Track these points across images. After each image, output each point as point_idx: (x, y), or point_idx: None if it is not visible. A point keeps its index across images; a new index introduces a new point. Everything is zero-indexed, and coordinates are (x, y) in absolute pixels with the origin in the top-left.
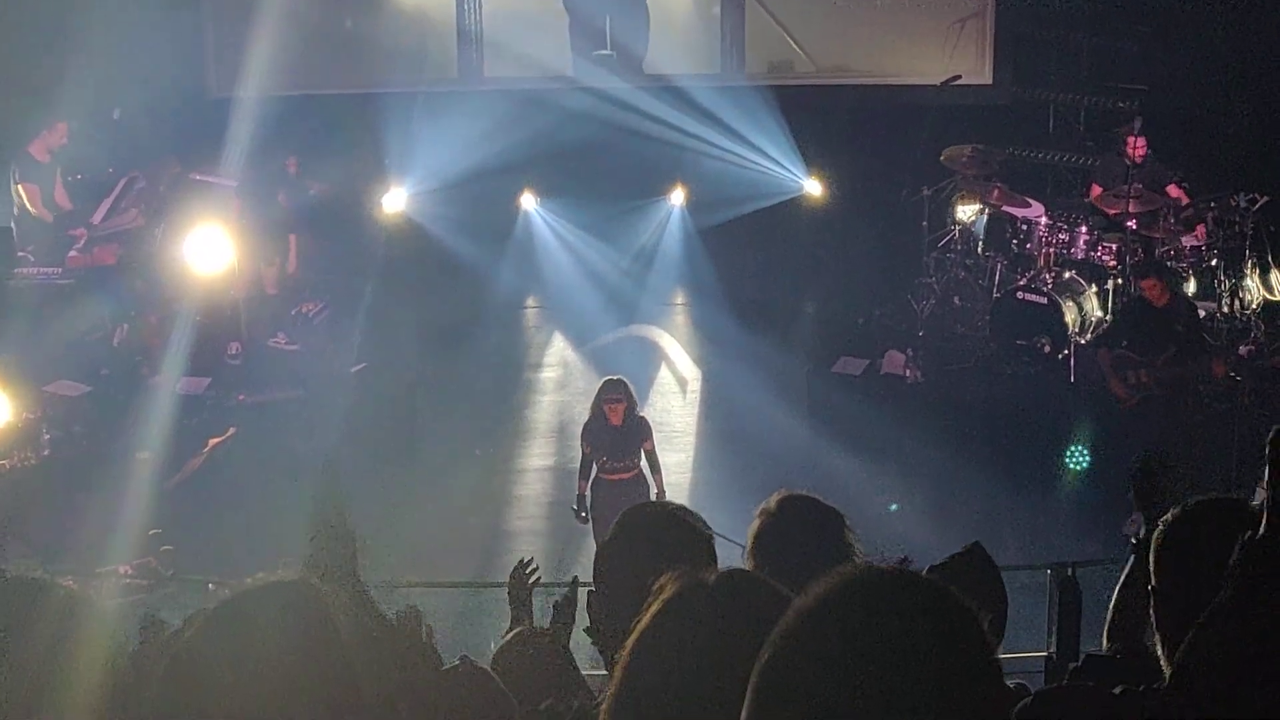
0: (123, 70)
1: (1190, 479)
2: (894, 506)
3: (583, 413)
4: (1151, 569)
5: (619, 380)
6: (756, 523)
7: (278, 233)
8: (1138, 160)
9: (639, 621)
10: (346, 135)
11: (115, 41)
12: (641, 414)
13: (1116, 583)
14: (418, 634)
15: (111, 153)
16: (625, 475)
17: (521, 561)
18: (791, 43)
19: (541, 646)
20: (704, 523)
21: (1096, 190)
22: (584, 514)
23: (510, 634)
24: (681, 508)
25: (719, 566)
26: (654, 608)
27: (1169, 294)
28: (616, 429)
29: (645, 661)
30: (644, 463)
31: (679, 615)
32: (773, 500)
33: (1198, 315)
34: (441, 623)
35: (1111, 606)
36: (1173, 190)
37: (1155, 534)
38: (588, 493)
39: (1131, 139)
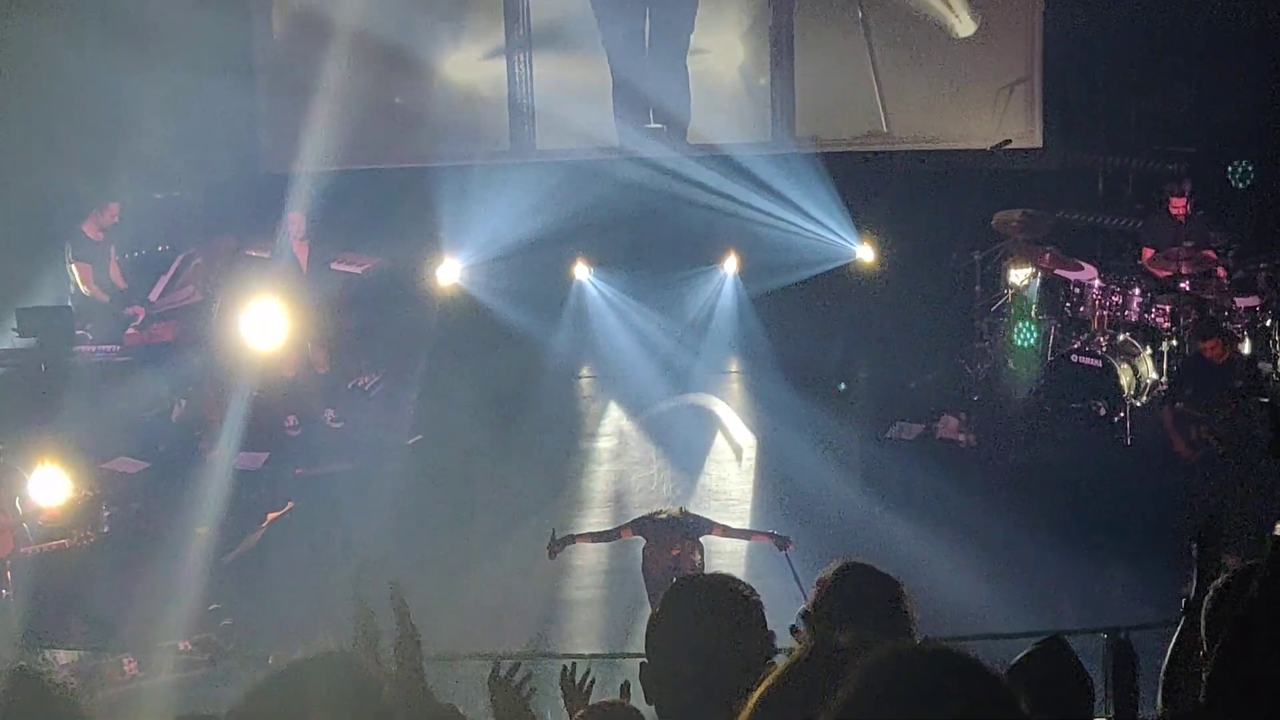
0: (176, 147)
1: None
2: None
3: (640, 482)
4: (1204, 634)
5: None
6: (814, 592)
7: (326, 310)
8: (1180, 220)
9: (764, 679)
10: (399, 209)
11: (169, 118)
12: (695, 521)
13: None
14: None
15: (166, 230)
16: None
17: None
18: (844, 107)
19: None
20: (753, 591)
21: (1148, 253)
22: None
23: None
24: (731, 577)
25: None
26: (784, 665)
27: (1228, 352)
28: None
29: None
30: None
31: (809, 673)
32: (830, 569)
33: (1258, 370)
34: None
35: (1164, 670)
36: (1209, 254)
37: (1207, 599)
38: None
39: (1174, 199)
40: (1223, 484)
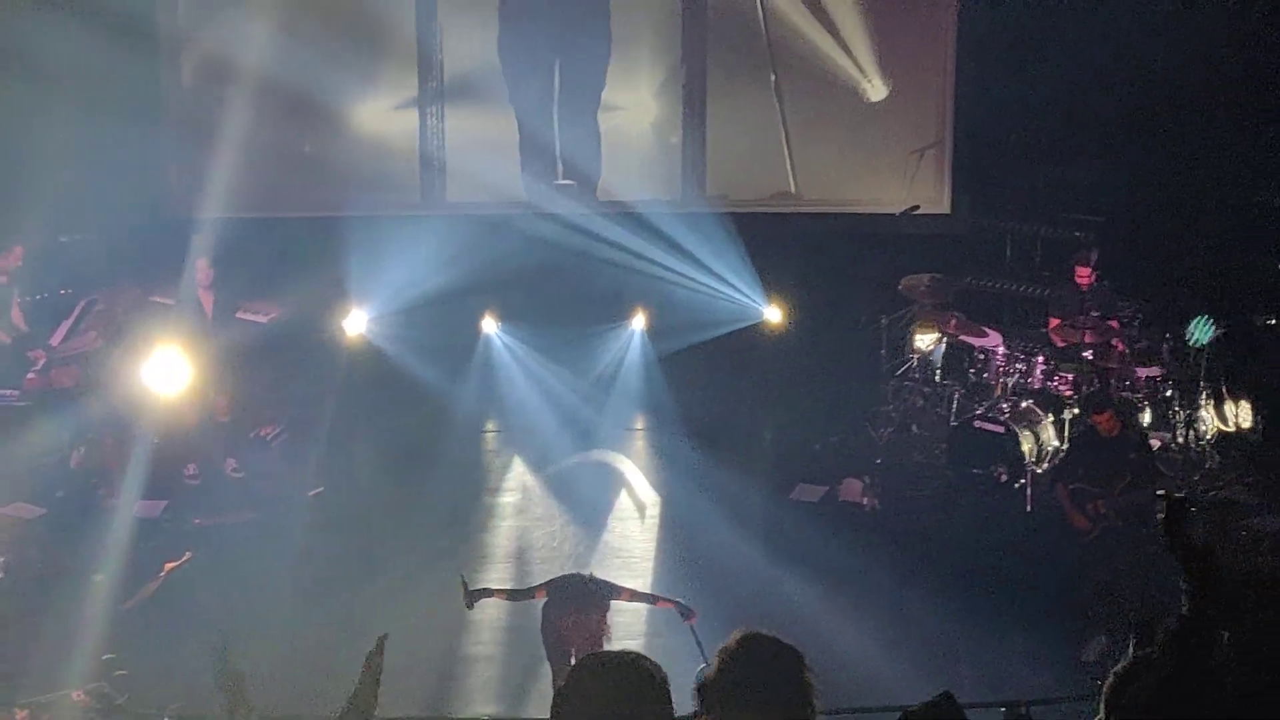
0: (82, 190)
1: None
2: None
3: (543, 538)
4: (1103, 715)
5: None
6: (716, 661)
7: (230, 359)
8: (1086, 289)
9: None
10: (307, 258)
11: (74, 161)
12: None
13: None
14: None
15: (69, 274)
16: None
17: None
18: (755, 168)
19: None
20: (659, 668)
21: (1054, 322)
22: (470, 602)
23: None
24: (639, 655)
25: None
26: None
27: (1120, 425)
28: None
29: None
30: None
31: None
32: (733, 639)
33: (1149, 443)
34: None
35: None
36: (1113, 324)
37: (1108, 683)
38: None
39: (1080, 268)
40: (1119, 556)
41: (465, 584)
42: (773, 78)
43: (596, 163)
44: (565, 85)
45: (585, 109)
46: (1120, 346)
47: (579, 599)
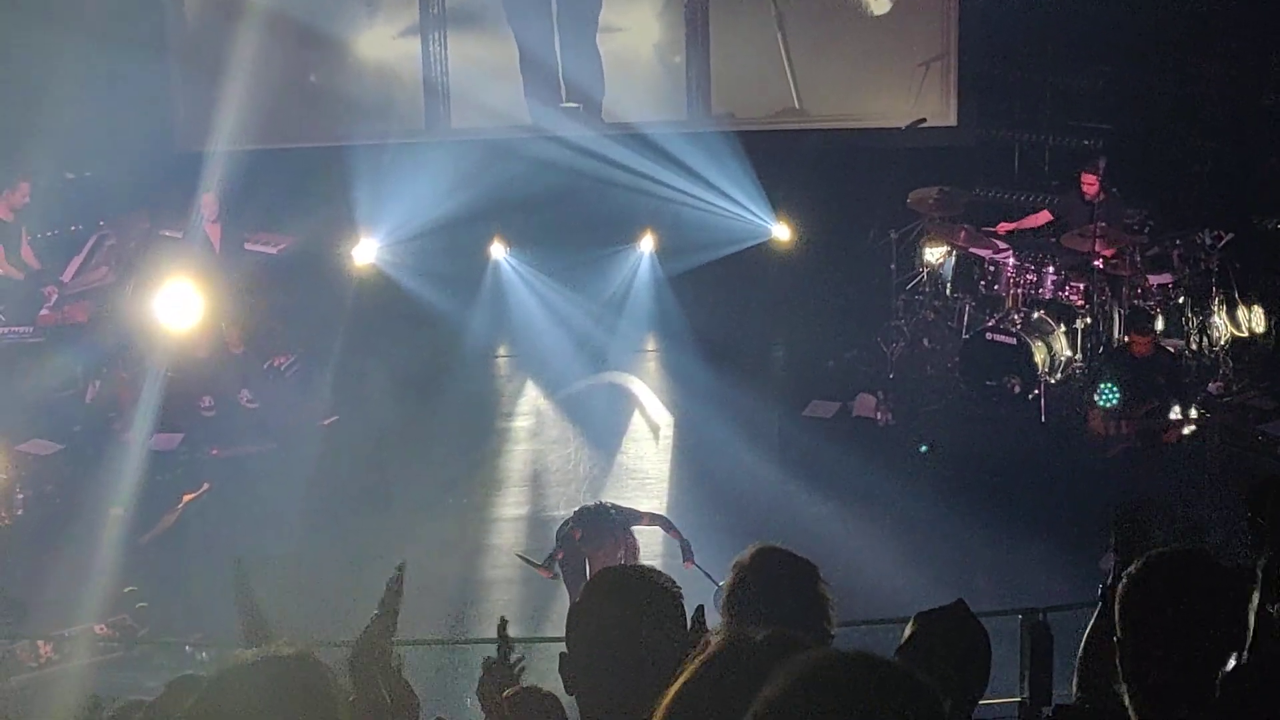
0: (88, 126)
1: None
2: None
3: (558, 461)
4: (1117, 621)
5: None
6: (731, 576)
7: (241, 290)
8: (1088, 198)
9: (680, 674)
10: (315, 188)
11: (80, 97)
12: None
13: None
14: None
15: (79, 209)
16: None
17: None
18: (759, 85)
19: (539, 708)
20: (673, 582)
21: (1044, 216)
22: (553, 572)
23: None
24: (653, 569)
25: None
26: (699, 660)
27: (1154, 347)
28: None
29: (692, 704)
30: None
31: (725, 669)
32: (746, 554)
33: (1180, 366)
34: (416, 678)
35: (1080, 655)
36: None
37: (1120, 586)
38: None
39: (1087, 177)
40: (1139, 470)
41: (529, 561)
42: None
43: (599, 84)
44: (562, 5)
45: (584, 28)
46: (1135, 254)
47: (600, 527)
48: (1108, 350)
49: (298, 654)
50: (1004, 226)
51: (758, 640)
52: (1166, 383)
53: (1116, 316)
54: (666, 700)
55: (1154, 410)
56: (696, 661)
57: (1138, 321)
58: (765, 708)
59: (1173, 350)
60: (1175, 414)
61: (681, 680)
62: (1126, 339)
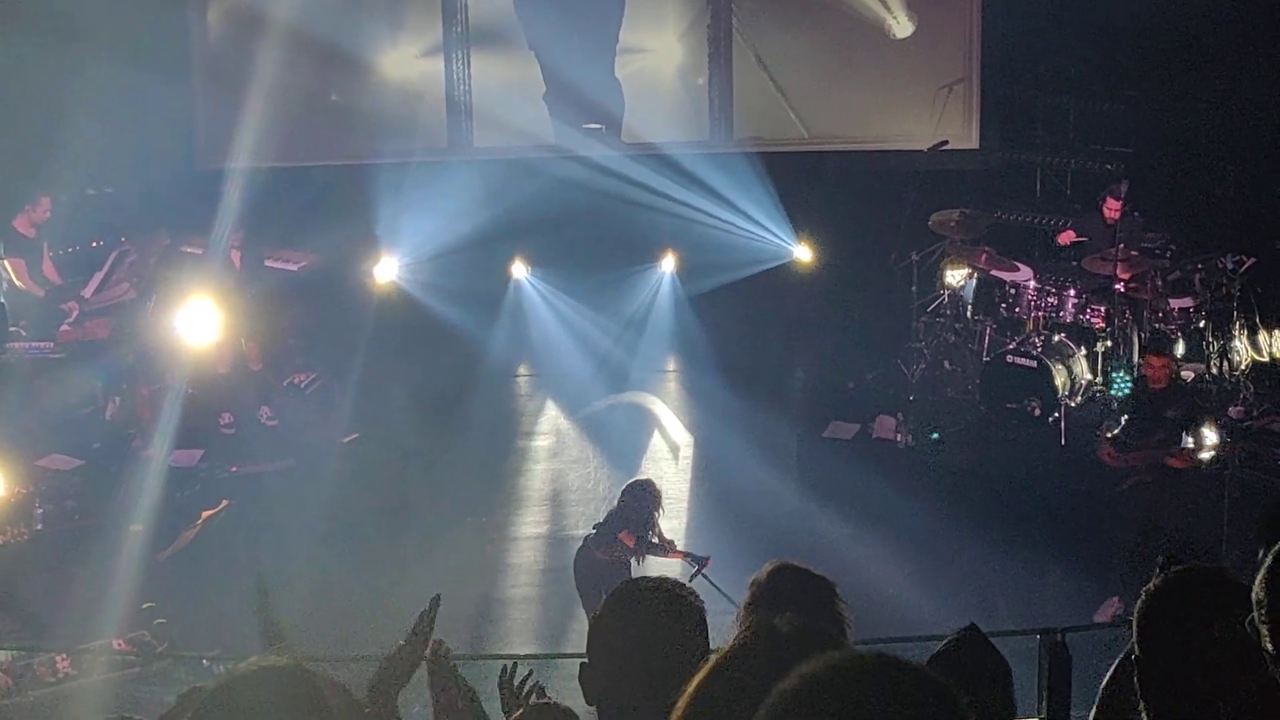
0: (110, 142)
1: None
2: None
3: (578, 480)
4: (1135, 638)
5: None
6: (748, 594)
7: (261, 307)
8: (1110, 221)
9: (702, 669)
10: (336, 206)
11: (102, 113)
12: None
13: (1105, 647)
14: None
15: (100, 225)
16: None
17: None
18: (782, 108)
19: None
20: (696, 595)
21: (1070, 236)
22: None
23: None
24: (675, 581)
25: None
26: (724, 650)
27: (1169, 379)
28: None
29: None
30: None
31: (749, 658)
32: (764, 571)
33: (1194, 401)
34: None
35: (1106, 680)
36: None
37: (1139, 603)
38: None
39: (1110, 200)
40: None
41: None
42: (797, 16)
43: (620, 104)
44: (579, 26)
45: (602, 48)
46: (1156, 278)
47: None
48: (1128, 386)
49: (291, 664)
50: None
51: (782, 629)
52: (1178, 416)
53: (1137, 340)
54: (692, 688)
55: (1163, 440)
56: (723, 651)
57: (1157, 344)
58: (781, 701)
59: (1188, 383)
60: (1187, 442)
61: (707, 669)
62: (1143, 367)
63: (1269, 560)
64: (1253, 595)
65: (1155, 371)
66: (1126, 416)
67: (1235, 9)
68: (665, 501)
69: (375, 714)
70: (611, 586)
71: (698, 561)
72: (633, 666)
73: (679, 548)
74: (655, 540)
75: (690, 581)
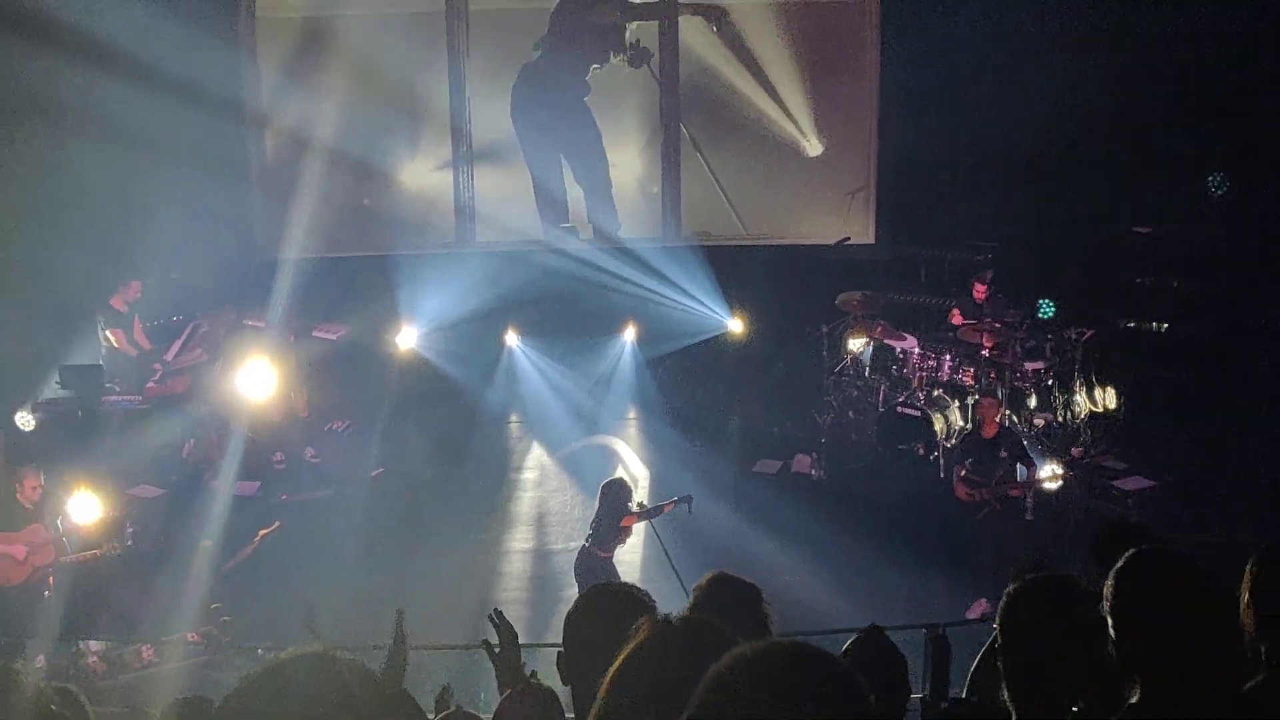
0: (187, 237)
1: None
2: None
3: (558, 505)
4: (998, 632)
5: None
6: (692, 597)
7: (307, 368)
8: (979, 301)
9: (618, 655)
10: (367, 288)
11: (180, 213)
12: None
13: (976, 639)
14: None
15: (179, 303)
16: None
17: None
18: (720, 210)
19: (539, 700)
20: (649, 596)
21: (956, 315)
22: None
23: (508, 692)
24: (634, 586)
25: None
26: (632, 642)
27: (998, 428)
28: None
29: (625, 683)
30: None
31: (653, 647)
32: (704, 579)
33: (1023, 444)
34: (441, 680)
35: (975, 663)
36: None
37: (1001, 603)
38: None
39: (977, 285)
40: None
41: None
42: (731, 139)
43: (611, 213)
44: (566, 148)
45: (587, 164)
46: (1015, 345)
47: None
48: (965, 434)
49: (322, 651)
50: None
51: (675, 623)
52: (1010, 456)
53: (1003, 395)
54: (608, 678)
55: (1003, 477)
56: (629, 645)
57: (987, 391)
58: (713, 678)
59: (1014, 427)
60: (1020, 475)
61: (619, 660)
62: (977, 408)
63: (1114, 573)
64: (1103, 592)
65: (985, 410)
66: (970, 460)
67: (1077, 132)
68: (613, 543)
69: (390, 688)
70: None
71: (685, 500)
72: (597, 655)
73: (663, 503)
74: (645, 510)
75: (690, 512)
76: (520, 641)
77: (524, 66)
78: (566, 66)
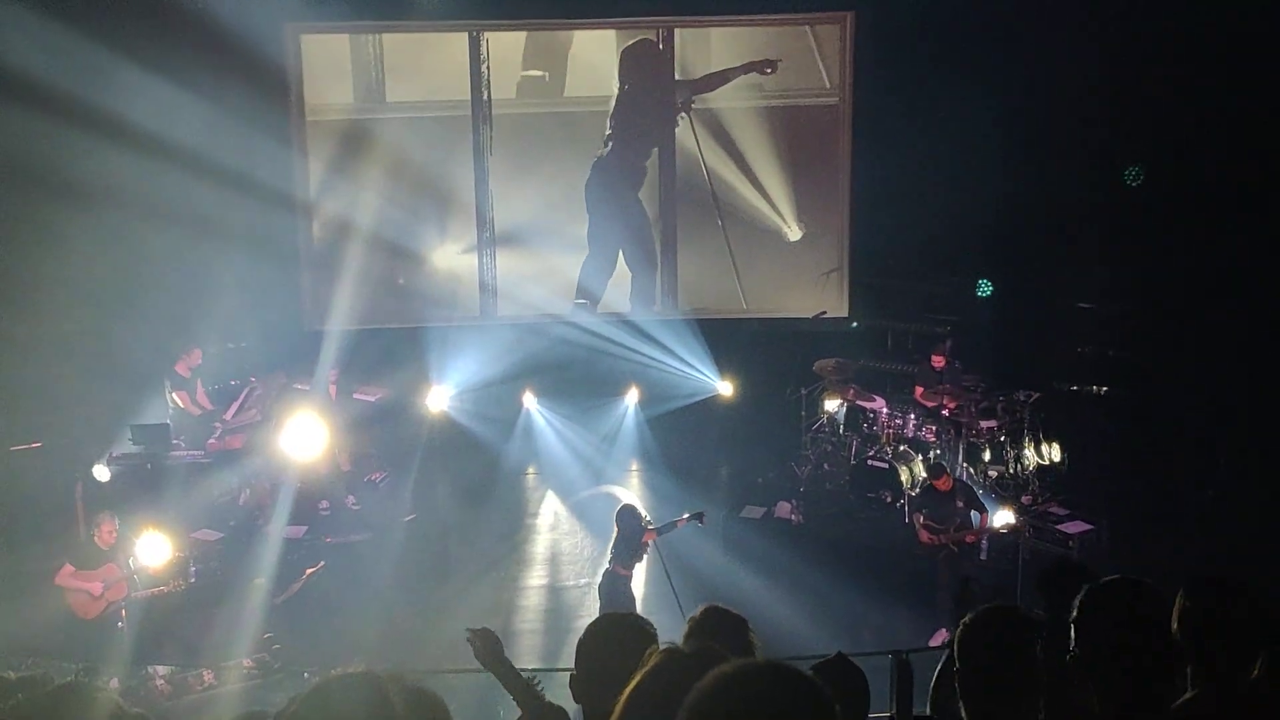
0: (242, 310)
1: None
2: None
3: (569, 546)
4: (956, 656)
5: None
6: (685, 627)
7: (349, 427)
8: (938, 369)
9: (631, 680)
10: (402, 356)
11: (236, 289)
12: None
13: (937, 664)
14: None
15: (236, 368)
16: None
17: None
18: (712, 286)
19: (553, 718)
20: (651, 625)
21: (919, 390)
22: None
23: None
24: (639, 616)
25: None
26: (645, 669)
27: (952, 482)
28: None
29: (638, 706)
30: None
31: (664, 673)
32: (698, 611)
33: (975, 494)
34: (466, 699)
35: (932, 684)
36: (937, 360)
37: (957, 632)
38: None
39: (935, 355)
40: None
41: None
42: (721, 224)
43: (601, 288)
44: (628, 248)
45: (648, 259)
46: (971, 407)
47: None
48: (921, 489)
49: (365, 672)
50: (919, 392)
51: (686, 650)
52: (964, 505)
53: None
54: (622, 701)
55: (959, 525)
56: (643, 670)
57: (934, 470)
58: (697, 698)
59: (965, 482)
60: (974, 521)
61: (631, 686)
62: (932, 482)
63: (1077, 605)
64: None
65: (939, 482)
66: (926, 510)
67: (1024, 218)
68: (633, 560)
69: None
70: (628, 597)
71: (696, 516)
72: (606, 677)
73: (676, 519)
74: (660, 527)
75: (702, 524)
76: (535, 666)
77: (595, 161)
78: (630, 159)
